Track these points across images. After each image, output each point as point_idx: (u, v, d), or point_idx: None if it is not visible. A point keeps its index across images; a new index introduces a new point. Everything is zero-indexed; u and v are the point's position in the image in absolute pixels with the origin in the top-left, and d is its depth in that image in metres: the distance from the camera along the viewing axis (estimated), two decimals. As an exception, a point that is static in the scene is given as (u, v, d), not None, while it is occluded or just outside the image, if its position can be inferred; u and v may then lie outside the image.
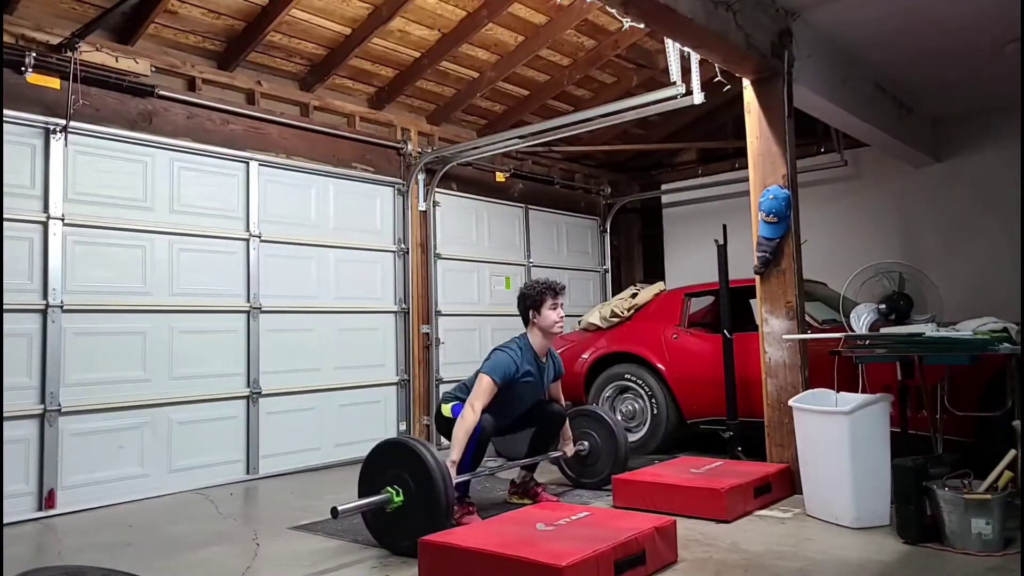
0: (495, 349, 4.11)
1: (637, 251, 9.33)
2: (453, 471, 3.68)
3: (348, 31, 5.52)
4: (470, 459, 3.84)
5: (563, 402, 4.47)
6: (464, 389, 4.15)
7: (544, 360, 4.18)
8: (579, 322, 6.53)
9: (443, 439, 4.18)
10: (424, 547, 3.01)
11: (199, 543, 3.71)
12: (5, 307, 4.33)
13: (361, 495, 3.48)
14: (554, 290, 4.12)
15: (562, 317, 4.12)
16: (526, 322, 4.17)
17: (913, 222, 7.15)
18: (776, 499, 4.11)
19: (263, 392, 5.44)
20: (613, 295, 7.43)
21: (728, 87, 4.82)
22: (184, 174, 5.19)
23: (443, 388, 6.51)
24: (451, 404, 4.13)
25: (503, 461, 5.59)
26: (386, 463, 3.49)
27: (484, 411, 3.85)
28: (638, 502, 3.96)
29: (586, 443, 4.63)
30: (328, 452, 5.79)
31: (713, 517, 3.75)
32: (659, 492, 3.97)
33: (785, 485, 4.19)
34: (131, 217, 4.91)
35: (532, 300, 4.10)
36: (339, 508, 3.22)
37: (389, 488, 3.39)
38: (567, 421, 4.46)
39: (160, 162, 5.08)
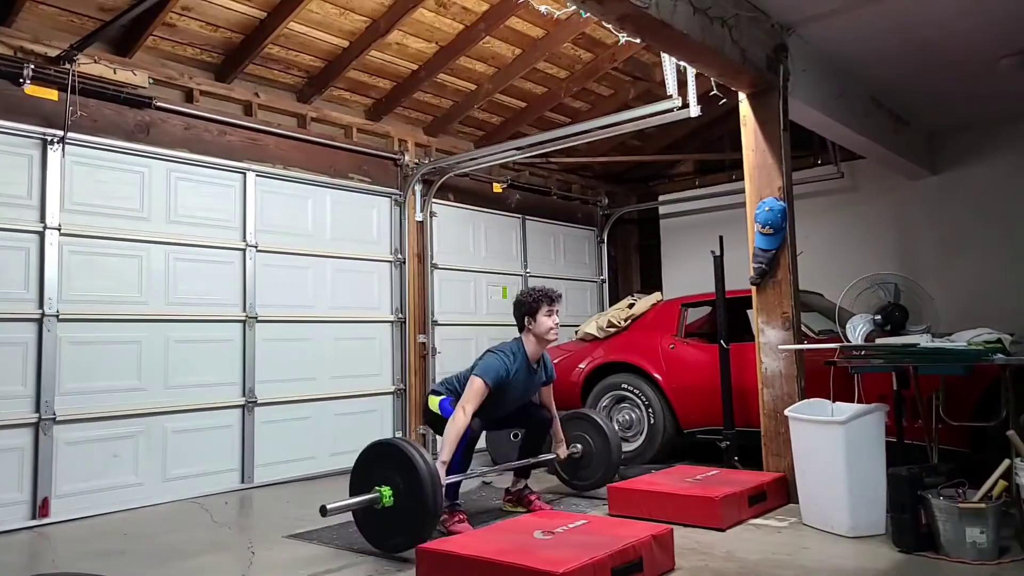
0: (488, 351, 4.14)
1: (634, 262, 9.35)
2: (443, 471, 3.72)
3: (346, 44, 5.56)
4: (459, 460, 3.88)
5: (554, 409, 4.48)
6: (452, 384, 4.19)
7: (536, 366, 4.20)
8: (576, 332, 6.54)
9: (438, 437, 4.20)
10: (422, 555, 3.02)
11: (194, 552, 3.70)
12: (0, 316, 4.34)
13: (352, 495, 3.51)
14: (550, 297, 4.14)
15: (557, 324, 4.14)
16: (521, 328, 4.19)
17: (909, 234, 7.18)
18: (771, 508, 4.11)
19: (259, 401, 5.44)
20: (610, 305, 7.44)
21: (724, 100, 4.86)
22: (181, 185, 5.21)
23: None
24: (439, 398, 4.17)
25: (498, 473, 5.58)
26: (376, 463, 3.54)
27: (474, 414, 3.88)
28: (634, 510, 3.96)
29: (579, 446, 4.65)
30: (324, 461, 5.77)
31: (707, 525, 3.76)
32: (654, 500, 3.98)
33: (780, 494, 4.20)
34: (128, 227, 4.92)
35: (528, 307, 4.13)
36: (328, 506, 3.27)
37: (379, 487, 3.43)
38: (557, 422, 4.48)
39: (157, 173, 5.09)
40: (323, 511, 3.26)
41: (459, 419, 3.82)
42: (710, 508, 3.78)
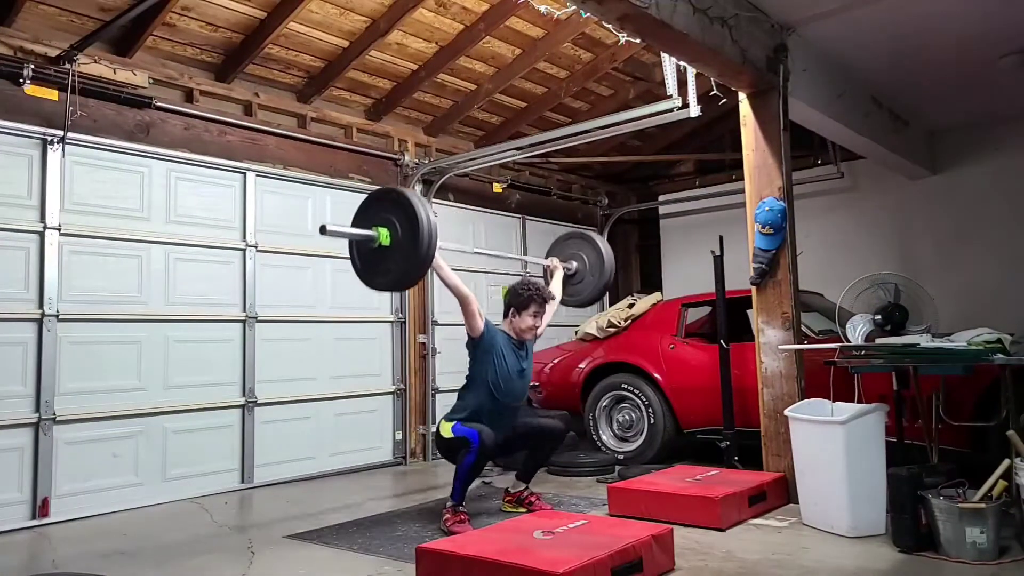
0: None
1: (634, 262, 9.35)
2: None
3: (346, 44, 5.56)
4: (468, 470, 3.87)
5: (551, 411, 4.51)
6: (461, 409, 4.14)
7: (520, 348, 4.26)
8: (576, 332, 6.54)
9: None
10: (422, 554, 3.02)
11: (193, 552, 3.70)
12: (0, 316, 4.34)
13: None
14: (542, 298, 4.20)
15: (536, 327, 4.23)
16: (505, 314, 4.27)
17: (909, 234, 7.18)
18: (771, 508, 4.11)
19: (259, 401, 5.44)
20: (610, 305, 7.44)
21: (724, 100, 4.86)
22: (181, 185, 5.21)
23: (439, 397, 6.52)
24: (451, 424, 4.07)
25: (500, 470, 5.59)
26: (381, 206, 3.62)
27: (481, 423, 3.92)
28: (634, 510, 3.97)
29: (574, 263, 4.65)
30: (324, 461, 5.77)
31: (707, 525, 3.76)
32: (655, 500, 3.98)
33: (780, 494, 4.20)
34: (128, 227, 4.92)
35: (520, 300, 4.21)
36: (328, 227, 3.40)
37: (379, 228, 3.53)
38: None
39: (157, 173, 5.09)
40: (322, 230, 3.39)
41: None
42: (710, 508, 3.78)
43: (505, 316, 4.28)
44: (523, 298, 4.18)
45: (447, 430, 4.08)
